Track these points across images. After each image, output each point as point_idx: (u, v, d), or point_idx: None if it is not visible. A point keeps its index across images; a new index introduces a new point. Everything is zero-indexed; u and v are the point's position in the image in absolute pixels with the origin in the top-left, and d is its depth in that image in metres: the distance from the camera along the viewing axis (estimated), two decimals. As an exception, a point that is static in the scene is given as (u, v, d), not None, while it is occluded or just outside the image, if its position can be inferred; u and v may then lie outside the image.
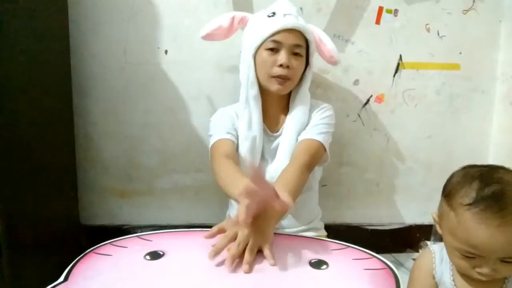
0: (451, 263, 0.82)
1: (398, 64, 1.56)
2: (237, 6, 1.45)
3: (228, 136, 1.19)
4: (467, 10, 1.55)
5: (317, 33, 1.28)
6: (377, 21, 1.52)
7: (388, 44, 1.54)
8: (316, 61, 1.47)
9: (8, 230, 1.01)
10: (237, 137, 1.22)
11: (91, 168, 1.53)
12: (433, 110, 1.60)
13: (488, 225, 0.66)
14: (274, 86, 1.19)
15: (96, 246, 0.84)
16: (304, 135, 1.19)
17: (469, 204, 0.68)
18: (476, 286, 0.78)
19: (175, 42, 1.47)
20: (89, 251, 0.81)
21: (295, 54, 1.18)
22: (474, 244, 0.68)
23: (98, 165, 1.53)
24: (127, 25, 1.45)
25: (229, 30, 1.28)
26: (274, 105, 1.26)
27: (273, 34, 1.16)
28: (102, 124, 1.51)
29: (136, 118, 1.51)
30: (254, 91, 1.21)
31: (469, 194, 0.69)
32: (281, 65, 1.16)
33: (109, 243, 0.85)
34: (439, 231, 0.80)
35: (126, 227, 1.56)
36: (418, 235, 1.64)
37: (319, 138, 1.18)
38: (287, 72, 1.17)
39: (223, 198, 1.36)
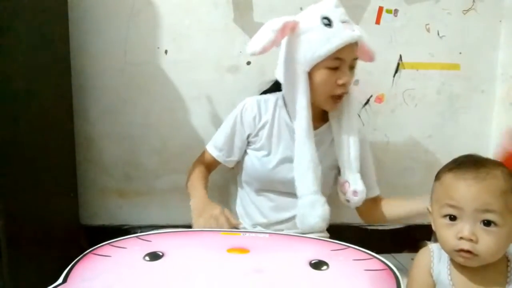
0: (449, 262, 0.82)
1: (398, 64, 1.56)
2: (237, 7, 1.45)
3: (219, 155, 1.25)
4: (467, 10, 1.55)
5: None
6: (377, 21, 1.52)
7: (388, 44, 1.54)
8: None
9: (8, 230, 1.01)
10: (235, 149, 1.24)
11: (91, 168, 1.53)
12: (433, 110, 1.60)
13: (465, 178, 0.75)
14: (329, 106, 1.14)
15: (95, 247, 0.83)
16: (371, 188, 1.24)
17: (451, 168, 0.78)
18: (474, 283, 0.78)
19: (175, 42, 1.47)
20: (88, 252, 0.81)
21: (352, 67, 1.12)
22: (453, 195, 0.75)
23: (98, 165, 1.53)
24: (127, 25, 1.45)
25: (278, 40, 1.10)
26: (313, 112, 1.15)
27: (337, 51, 1.06)
28: (102, 124, 1.50)
29: (136, 118, 1.51)
30: (310, 113, 1.11)
31: (452, 163, 0.80)
32: (342, 84, 1.09)
33: (108, 243, 0.85)
34: (431, 222, 0.82)
35: (126, 227, 1.56)
36: (418, 235, 1.63)
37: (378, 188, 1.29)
38: (346, 89, 1.11)
39: (223, 198, 1.36)
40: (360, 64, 1.52)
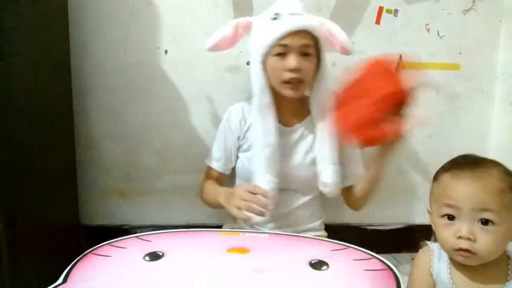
0: (449, 261, 0.82)
1: (398, 64, 1.56)
2: (237, 7, 1.45)
3: (219, 165, 1.29)
4: (467, 10, 1.55)
5: (326, 25, 1.20)
6: (377, 21, 1.52)
7: (388, 44, 1.54)
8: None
9: (8, 230, 1.01)
10: (231, 155, 1.28)
11: (91, 168, 1.53)
12: (433, 110, 1.60)
13: (462, 178, 0.76)
14: (287, 92, 1.16)
15: (95, 247, 0.83)
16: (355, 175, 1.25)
17: (448, 169, 0.80)
18: (474, 281, 0.79)
19: (175, 42, 1.47)
20: (88, 252, 0.81)
21: (305, 54, 1.14)
22: (451, 195, 0.77)
23: (98, 165, 1.53)
24: (127, 25, 1.45)
25: (234, 38, 1.22)
26: (290, 104, 1.22)
27: (280, 38, 1.11)
28: (102, 124, 1.50)
29: (136, 118, 1.51)
30: (267, 98, 1.17)
31: (449, 164, 0.82)
32: (291, 69, 1.12)
33: (108, 243, 0.85)
34: (431, 222, 0.83)
35: (126, 227, 1.56)
36: (418, 235, 1.64)
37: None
38: (299, 75, 1.13)
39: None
40: (360, 64, 1.53)
